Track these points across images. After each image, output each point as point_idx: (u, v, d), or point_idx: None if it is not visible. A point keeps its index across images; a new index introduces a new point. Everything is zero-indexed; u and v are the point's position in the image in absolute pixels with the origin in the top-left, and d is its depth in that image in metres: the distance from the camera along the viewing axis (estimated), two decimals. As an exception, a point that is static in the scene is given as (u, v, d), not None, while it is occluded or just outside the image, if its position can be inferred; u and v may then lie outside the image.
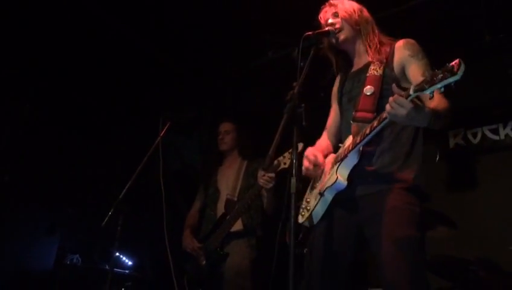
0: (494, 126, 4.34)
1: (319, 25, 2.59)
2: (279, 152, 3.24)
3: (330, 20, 2.52)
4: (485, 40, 4.12)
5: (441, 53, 2.41)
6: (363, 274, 4.01)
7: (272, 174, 3.32)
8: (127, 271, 5.01)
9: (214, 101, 5.75)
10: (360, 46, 2.56)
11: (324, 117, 2.82)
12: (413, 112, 1.90)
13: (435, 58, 2.27)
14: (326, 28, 2.49)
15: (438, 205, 3.69)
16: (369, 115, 2.27)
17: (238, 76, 5.24)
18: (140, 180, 3.39)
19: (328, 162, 2.47)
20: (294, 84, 2.11)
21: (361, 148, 2.28)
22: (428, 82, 1.80)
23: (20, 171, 4.82)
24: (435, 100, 2.05)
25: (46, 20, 4.45)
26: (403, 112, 1.90)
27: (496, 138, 4.31)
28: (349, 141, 2.35)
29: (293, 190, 1.89)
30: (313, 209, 2.38)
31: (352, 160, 2.28)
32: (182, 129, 5.71)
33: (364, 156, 2.30)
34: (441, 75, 1.76)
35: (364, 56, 2.53)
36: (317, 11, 2.66)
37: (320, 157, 2.47)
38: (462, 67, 1.72)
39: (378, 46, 2.45)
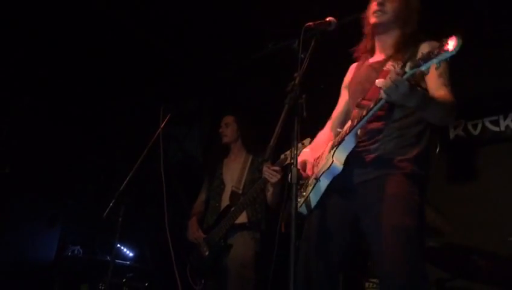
0: (494, 117, 4.33)
1: (319, 16, 2.57)
2: (283, 144, 3.21)
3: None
4: (485, 31, 4.11)
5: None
6: (364, 264, 4.02)
7: (277, 168, 3.31)
8: (128, 262, 5.03)
9: (215, 93, 5.74)
10: (390, 37, 2.46)
11: (324, 108, 2.82)
12: (408, 91, 1.89)
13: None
14: (327, 19, 2.45)
15: (438, 197, 3.70)
16: (367, 103, 2.23)
17: (238, 67, 5.23)
18: (142, 171, 3.39)
19: (327, 149, 2.44)
20: (295, 74, 2.11)
21: (359, 133, 2.25)
22: (425, 58, 1.80)
23: (21, 162, 4.82)
24: (441, 93, 2.10)
25: (46, 11, 4.44)
26: (398, 89, 1.89)
27: (497, 129, 4.30)
28: (347, 125, 2.33)
29: (294, 180, 1.89)
30: (308, 195, 2.36)
31: (349, 144, 2.24)
32: (183, 121, 5.71)
33: (366, 145, 2.28)
34: (437, 50, 1.76)
35: (388, 50, 2.46)
36: (317, 2, 2.63)
37: (308, 167, 2.42)
38: (459, 42, 1.71)
39: (405, 43, 2.38)
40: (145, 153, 3.39)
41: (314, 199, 2.36)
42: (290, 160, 3.22)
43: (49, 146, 5.14)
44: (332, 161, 2.23)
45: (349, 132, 2.23)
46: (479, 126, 4.39)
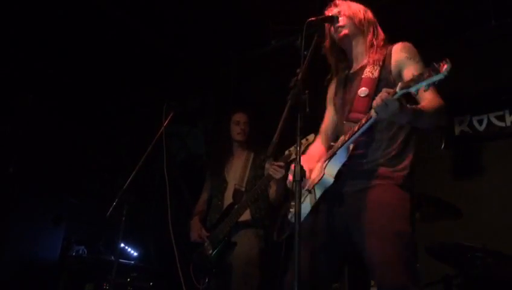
0: (500, 113, 4.30)
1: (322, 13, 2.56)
2: (287, 141, 3.18)
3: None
4: (491, 25, 4.07)
5: (448, 37, 2.40)
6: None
7: (281, 163, 3.31)
8: (132, 262, 5.02)
9: (218, 91, 5.73)
10: (359, 47, 2.54)
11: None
12: (398, 110, 1.95)
13: (441, 43, 2.25)
14: (330, 14, 2.46)
15: (444, 193, 3.67)
16: (361, 116, 2.25)
17: (241, 65, 5.22)
18: (145, 170, 3.37)
19: (321, 162, 2.47)
20: (298, 70, 2.09)
21: (351, 147, 2.29)
22: (415, 80, 1.87)
23: (25, 162, 4.82)
24: (426, 100, 2.15)
25: (49, 10, 4.44)
26: (388, 108, 1.95)
27: (502, 124, 4.27)
28: (340, 139, 2.36)
29: (297, 177, 1.88)
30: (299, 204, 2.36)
31: (341, 158, 2.29)
32: (186, 119, 5.70)
33: (357, 157, 2.31)
34: (427, 74, 1.82)
35: (361, 58, 2.53)
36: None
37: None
38: (448, 67, 1.77)
39: (377, 48, 2.45)
40: (148, 151, 3.37)
41: (307, 209, 2.38)
42: (294, 154, 3.25)
43: (52, 145, 5.14)
44: (324, 173, 2.28)
45: (341, 146, 2.27)
46: (485, 121, 4.36)
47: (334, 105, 2.64)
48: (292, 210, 2.40)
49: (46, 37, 4.77)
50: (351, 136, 2.22)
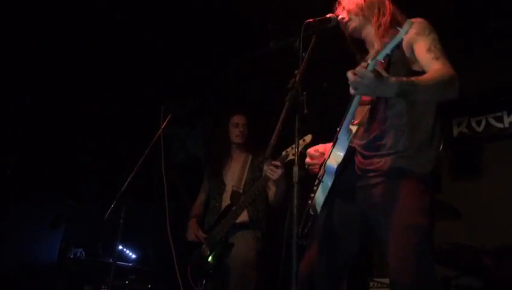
0: (498, 114, 4.30)
1: (320, 14, 2.56)
2: (285, 142, 3.18)
3: (340, 16, 2.48)
4: (490, 26, 4.07)
5: (447, 38, 2.39)
6: (368, 264, 4.00)
7: (278, 163, 3.32)
8: (130, 264, 5.01)
9: (217, 92, 5.72)
10: (371, 33, 2.47)
11: (326, 105, 2.80)
12: (374, 82, 1.87)
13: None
14: (328, 15, 2.46)
15: (443, 194, 3.65)
16: (367, 99, 2.22)
17: (240, 66, 5.22)
18: (143, 172, 3.37)
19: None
20: (296, 72, 2.09)
21: (353, 130, 2.23)
22: (381, 49, 1.85)
23: (23, 164, 4.81)
24: (430, 71, 2.07)
25: (47, 12, 4.43)
26: (363, 82, 1.88)
27: (501, 125, 4.27)
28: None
29: (295, 179, 1.87)
30: (314, 196, 2.34)
31: (343, 142, 2.23)
32: (186, 120, 5.70)
33: (374, 148, 2.23)
34: (388, 39, 1.84)
35: (375, 43, 2.46)
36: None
37: (321, 149, 2.44)
38: (406, 27, 1.82)
39: (385, 27, 2.37)
40: (146, 153, 3.37)
41: (320, 201, 2.32)
42: (291, 155, 3.26)
43: (51, 147, 5.13)
44: (328, 159, 2.24)
45: (340, 130, 2.22)
46: (483, 123, 4.37)
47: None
48: (310, 202, 2.37)
49: (45, 39, 4.77)
50: (345, 117, 2.19)
